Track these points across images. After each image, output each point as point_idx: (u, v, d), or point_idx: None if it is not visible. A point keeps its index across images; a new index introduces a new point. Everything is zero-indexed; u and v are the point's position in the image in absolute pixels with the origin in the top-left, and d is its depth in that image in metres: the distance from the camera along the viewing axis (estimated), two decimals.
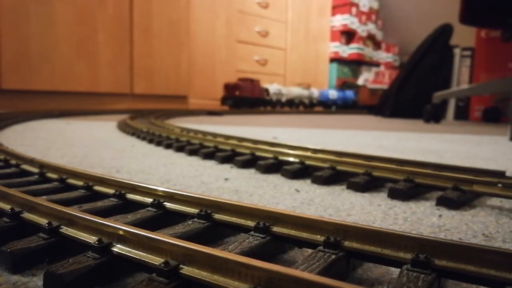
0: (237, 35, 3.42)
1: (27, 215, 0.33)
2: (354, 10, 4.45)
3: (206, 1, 3.11)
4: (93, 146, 0.92)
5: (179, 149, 0.88)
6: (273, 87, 3.44)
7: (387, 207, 0.47)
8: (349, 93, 4.03)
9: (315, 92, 3.77)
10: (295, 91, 3.61)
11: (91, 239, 0.28)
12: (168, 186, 0.54)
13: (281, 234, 0.31)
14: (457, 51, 2.94)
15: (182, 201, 0.37)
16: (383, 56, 4.84)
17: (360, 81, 4.32)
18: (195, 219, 0.35)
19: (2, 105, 2.15)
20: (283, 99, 3.50)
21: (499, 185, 0.47)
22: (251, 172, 0.66)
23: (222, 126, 1.65)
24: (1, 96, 2.17)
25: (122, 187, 0.42)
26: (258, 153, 0.73)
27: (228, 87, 3.08)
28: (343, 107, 4.03)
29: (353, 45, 4.53)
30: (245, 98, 3.09)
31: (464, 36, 2.93)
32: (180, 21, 2.90)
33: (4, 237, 0.31)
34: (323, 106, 3.89)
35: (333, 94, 3.88)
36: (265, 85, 3.43)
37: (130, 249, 0.26)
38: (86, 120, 1.85)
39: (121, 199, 0.40)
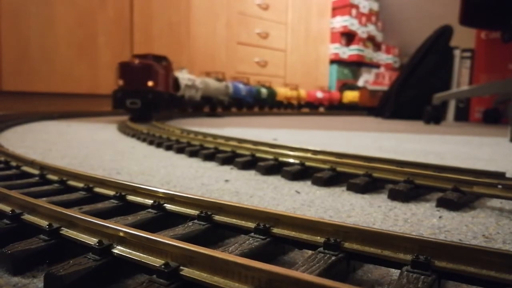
0: (238, 36, 3.43)
1: (27, 217, 0.33)
2: (354, 11, 4.46)
3: (206, 3, 3.11)
4: (94, 148, 0.92)
5: (180, 150, 0.88)
6: (183, 77, 2.06)
7: (387, 209, 0.47)
8: (256, 89, 3.09)
9: (230, 87, 2.77)
10: (212, 84, 2.49)
11: (92, 240, 0.28)
12: (168, 187, 0.54)
13: (282, 236, 0.31)
14: (457, 53, 2.95)
15: (183, 203, 0.37)
16: (383, 57, 4.85)
17: (360, 83, 4.32)
18: (196, 221, 0.35)
19: (3, 106, 2.16)
20: (198, 96, 2.25)
21: (499, 186, 0.47)
22: (251, 174, 0.67)
23: (222, 128, 1.65)
24: (1, 98, 2.18)
25: (123, 189, 0.42)
26: (258, 155, 0.73)
27: (125, 70, 1.68)
28: (254, 105, 3.15)
29: (353, 46, 4.53)
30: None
31: (464, 38, 2.93)
32: (181, 23, 2.90)
33: (5, 239, 0.31)
34: (237, 105, 2.95)
35: (243, 89, 2.93)
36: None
37: (130, 251, 0.27)
38: (87, 121, 1.85)
39: (121, 201, 0.41)
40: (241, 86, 2.92)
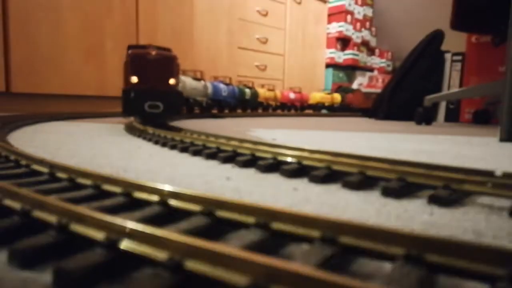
0: (238, 42, 3.46)
1: (37, 213, 0.34)
2: (349, 17, 4.51)
3: (208, 9, 3.15)
4: (102, 147, 0.93)
5: (183, 150, 0.89)
6: None
7: (380, 205, 0.48)
8: (239, 90, 2.88)
9: (209, 87, 2.57)
10: (189, 83, 2.26)
11: (99, 235, 0.29)
12: (173, 185, 0.55)
13: (280, 230, 0.32)
14: (448, 56, 2.98)
15: (186, 199, 0.38)
16: (376, 61, 4.89)
17: (355, 85, 4.35)
18: (199, 216, 0.36)
19: (12, 108, 2.15)
20: None
21: (489, 184, 0.48)
22: (251, 172, 0.68)
23: (224, 128, 1.66)
24: (11, 99, 2.17)
25: (129, 186, 0.43)
26: (258, 154, 0.74)
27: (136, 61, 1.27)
28: (237, 106, 2.91)
29: (348, 51, 4.58)
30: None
31: (454, 42, 2.97)
32: (184, 29, 2.94)
33: (14, 235, 0.32)
34: (217, 106, 2.72)
35: (224, 89, 2.71)
36: None
37: (136, 245, 0.27)
38: (95, 122, 1.85)
39: (128, 197, 0.41)
40: (222, 86, 2.69)
